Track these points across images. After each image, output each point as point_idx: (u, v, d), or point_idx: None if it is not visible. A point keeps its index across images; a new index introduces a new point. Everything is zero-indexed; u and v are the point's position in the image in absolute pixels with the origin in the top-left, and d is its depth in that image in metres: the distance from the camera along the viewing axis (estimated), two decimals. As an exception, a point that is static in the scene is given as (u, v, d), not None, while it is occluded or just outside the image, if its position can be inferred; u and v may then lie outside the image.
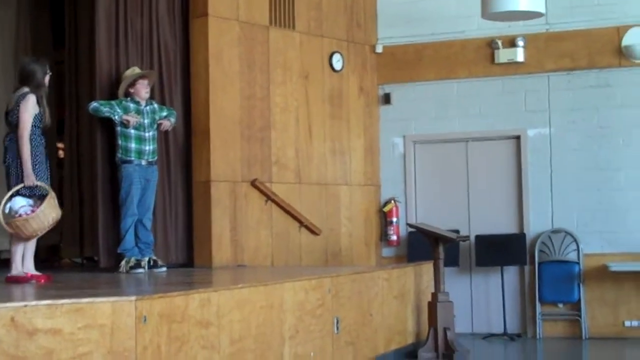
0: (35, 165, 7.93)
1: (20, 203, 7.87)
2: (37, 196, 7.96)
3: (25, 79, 8.09)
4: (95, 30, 9.92)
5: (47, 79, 8.20)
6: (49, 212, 7.93)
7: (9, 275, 7.99)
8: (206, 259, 10.19)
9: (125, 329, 5.81)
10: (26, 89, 8.03)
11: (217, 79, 10.41)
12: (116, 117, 9.48)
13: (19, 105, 7.94)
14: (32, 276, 7.95)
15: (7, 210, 7.85)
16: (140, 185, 9.54)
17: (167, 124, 9.86)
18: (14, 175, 7.93)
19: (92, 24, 10.24)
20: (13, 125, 7.98)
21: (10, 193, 7.84)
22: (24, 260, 8.05)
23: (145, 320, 5.89)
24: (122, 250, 9.50)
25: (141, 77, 9.67)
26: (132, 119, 9.46)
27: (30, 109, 7.92)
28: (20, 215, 7.81)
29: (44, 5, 12.49)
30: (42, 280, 7.92)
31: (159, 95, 10.15)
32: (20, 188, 7.87)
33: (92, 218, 10.25)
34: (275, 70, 11.10)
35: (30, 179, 7.87)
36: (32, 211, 7.85)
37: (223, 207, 10.33)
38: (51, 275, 8.23)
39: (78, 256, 11.61)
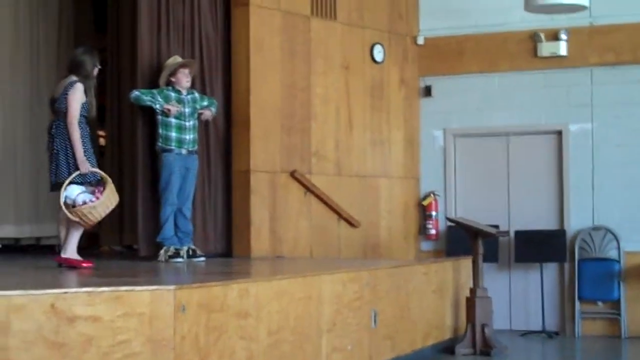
0: (85, 152, 7.97)
1: (77, 190, 7.89)
2: (89, 182, 8.00)
3: (75, 68, 8.15)
4: (138, 18, 9.93)
5: (95, 71, 8.24)
6: (113, 197, 8.01)
7: (65, 257, 8.01)
8: (245, 249, 10.19)
9: (164, 317, 5.80)
10: (74, 78, 8.06)
11: (257, 69, 10.39)
12: (157, 106, 9.48)
13: (66, 93, 7.97)
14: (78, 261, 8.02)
15: (63, 199, 7.86)
16: (180, 174, 9.54)
17: (207, 114, 9.85)
18: (63, 162, 7.95)
19: (134, 12, 10.27)
20: (61, 113, 8.01)
21: (68, 181, 7.84)
22: (68, 245, 8.06)
23: (184, 309, 5.88)
24: (161, 239, 9.50)
25: (182, 65, 9.66)
26: (173, 107, 9.45)
27: (79, 96, 7.98)
28: (85, 203, 7.82)
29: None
30: (85, 265, 7.99)
31: (199, 84, 10.14)
32: (77, 175, 7.89)
33: (132, 206, 10.28)
34: (316, 61, 11.07)
35: (86, 165, 7.91)
36: (97, 198, 7.87)
37: (262, 197, 10.32)
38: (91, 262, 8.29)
39: (117, 244, 11.67)
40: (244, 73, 10.38)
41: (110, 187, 8.01)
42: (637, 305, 11.41)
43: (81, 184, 7.96)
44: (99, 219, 8.01)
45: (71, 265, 7.94)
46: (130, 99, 9.61)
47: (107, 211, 8.01)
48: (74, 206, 7.83)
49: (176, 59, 9.75)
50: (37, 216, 11.30)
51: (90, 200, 7.85)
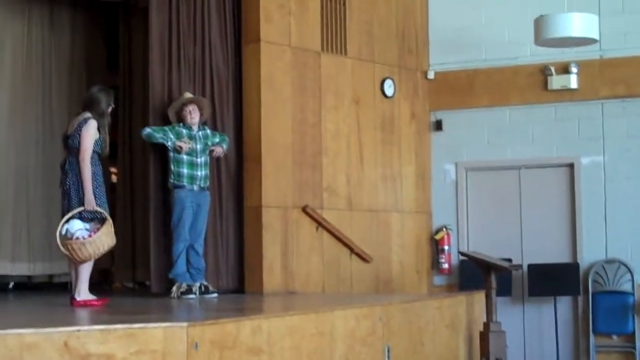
0: (95, 189, 8.01)
1: (78, 226, 7.92)
2: (96, 220, 8.03)
3: (89, 105, 8.20)
4: (149, 55, 9.99)
5: (110, 109, 8.28)
6: (105, 239, 7.99)
7: (81, 300, 8.01)
8: (257, 285, 10.17)
9: (176, 355, 5.79)
10: (88, 114, 8.10)
11: (268, 105, 10.42)
12: (169, 143, 9.51)
13: (80, 130, 8.02)
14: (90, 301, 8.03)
15: (64, 232, 7.90)
16: (192, 210, 9.55)
17: (219, 151, 9.87)
18: (74, 198, 7.98)
19: (145, 49, 10.34)
20: (74, 149, 8.05)
21: (69, 215, 7.89)
22: (81, 286, 8.06)
23: (197, 346, 5.87)
24: (173, 275, 9.50)
25: (185, 103, 9.67)
26: (185, 145, 9.48)
27: (92, 133, 8.02)
28: (77, 238, 7.85)
29: (98, 29, 12.63)
30: (100, 304, 8.00)
31: (211, 120, 10.17)
32: (81, 211, 7.91)
33: (144, 243, 10.29)
34: (326, 96, 11.09)
35: (92, 203, 7.94)
36: (89, 235, 7.89)
37: (274, 233, 10.32)
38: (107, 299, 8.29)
39: (130, 281, 11.67)
40: (255, 109, 10.41)
41: (107, 229, 8.00)
42: (652, 339, 11.35)
43: (90, 220, 7.98)
44: (89, 258, 7.98)
45: (88, 306, 7.92)
46: (142, 135, 9.65)
47: (98, 252, 7.99)
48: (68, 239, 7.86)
49: (185, 95, 9.79)
50: (50, 254, 11.31)
51: (83, 237, 7.87)
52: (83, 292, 8.04)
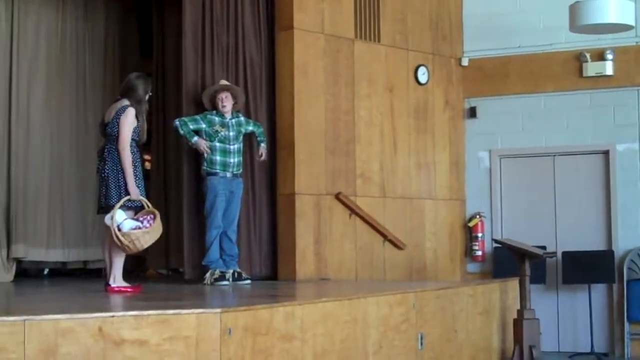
0: (135, 177, 8.03)
1: (123, 216, 7.90)
2: (134, 209, 8.05)
3: (127, 92, 8.21)
4: (182, 43, 10.02)
5: (147, 96, 8.28)
6: (159, 229, 8.05)
7: (115, 287, 8.06)
8: (290, 272, 10.19)
9: (210, 341, 5.81)
10: (126, 102, 8.12)
11: (302, 92, 10.43)
12: (192, 141, 9.52)
13: (119, 117, 8.03)
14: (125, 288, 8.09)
15: (108, 221, 7.90)
16: (225, 197, 9.58)
17: (264, 153, 9.90)
18: (113, 186, 7.99)
19: (179, 36, 10.37)
20: (112, 137, 8.06)
21: (119, 205, 7.86)
22: (115, 273, 8.12)
23: (230, 332, 5.89)
24: (206, 262, 9.54)
25: (218, 90, 9.69)
26: (202, 146, 9.48)
27: (130, 121, 8.03)
28: (138, 227, 7.86)
29: (132, 16, 12.69)
30: (134, 291, 8.05)
31: (244, 108, 10.19)
32: (126, 201, 7.93)
33: (178, 230, 10.34)
34: (360, 83, 11.08)
35: (136, 192, 7.97)
36: (149, 225, 7.91)
37: (307, 220, 10.33)
38: (141, 285, 8.35)
39: (163, 267, 11.74)
40: (288, 96, 10.42)
41: (159, 219, 8.05)
42: (687, 327, 11.28)
43: (128, 209, 8.00)
44: (145, 246, 8.02)
45: (122, 293, 7.97)
46: (172, 126, 9.69)
47: (152, 241, 8.05)
48: (119, 230, 7.87)
49: (219, 82, 9.79)
50: (85, 240, 11.42)
51: (144, 226, 7.89)
52: (117, 279, 8.08)
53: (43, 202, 11.31)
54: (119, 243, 7.86)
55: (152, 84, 11.39)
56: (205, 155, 9.54)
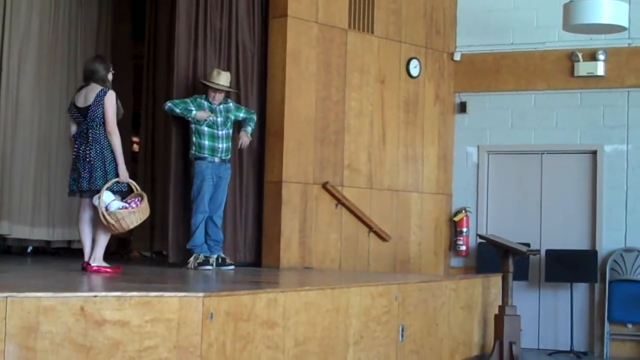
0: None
1: (110, 197, 7.95)
2: (120, 192, 8.10)
3: (90, 76, 8.23)
4: (175, 27, 10.01)
5: (110, 76, 8.30)
6: (146, 210, 8.12)
7: (95, 266, 8.10)
8: (274, 260, 10.20)
9: (191, 324, 5.82)
10: (97, 86, 8.13)
11: (293, 80, 10.42)
12: (191, 114, 9.50)
13: (101, 101, 8.04)
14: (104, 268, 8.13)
15: (95, 202, 7.94)
16: (212, 182, 9.57)
17: (245, 140, 9.87)
18: (100, 169, 8.01)
19: (172, 20, 10.36)
20: (96, 121, 8.06)
21: (106, 187, 7.90)
22: (97, 252, 8.17)
23: (211, 317, 5.90)
24: (191, 246, 9.54)
25: (212, 89, 9.65)
26: (205, 114, 9.47)
27: (114, 103, 8.08)
28: (125, 207, 7.92)
29: (125, 0, 12.65)
30: (114, 272, 8.07)
31: (234, 94, 10.17)
32: (115, 182, 7.99)
33: (164, 213, 10.34)
34: (351, 74, 11.08)
35: (126, 174, 8.06)
36: (136, 205, 7.97)
37: (293, 208, 10.34)
38: (120, 267, 8.35)
39: (148, 250, 11.74)
40: (279, 84, 10.41)
41: (146, 201, 8.11)
42: (668, 329, 11.33)
43: (115, 192, 8.02)
44: (130, 227, 8.08)
45: (101, 273, 8.00)
46: (164, 109, 9.68)
47: (138, 223, 8.10)
48: (106, 210, 7.89)
49: (219, 73, 9.66)
50: (70, 219, 11.39)
51: (130, 206, 7.93)
52: (98, 259, 8.13)
53: (29, 180, 11.29)
54: (105, 222, 7.90)
55: (142, 66, 11.50)
56: (194, 139, 9.53)
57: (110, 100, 8.06)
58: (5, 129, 11.04)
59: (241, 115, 9.91)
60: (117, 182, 8.01)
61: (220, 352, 5.97)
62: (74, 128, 8.26)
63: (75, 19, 11.95)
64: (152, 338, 5.70)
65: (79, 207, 8.33)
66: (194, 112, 9.51)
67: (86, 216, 8.19)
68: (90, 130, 8.07)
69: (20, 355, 5.39)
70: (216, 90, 9.62)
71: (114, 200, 7.95)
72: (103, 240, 8.14)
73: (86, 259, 8.15)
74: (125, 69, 12.15)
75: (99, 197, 7.86)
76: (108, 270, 8.05)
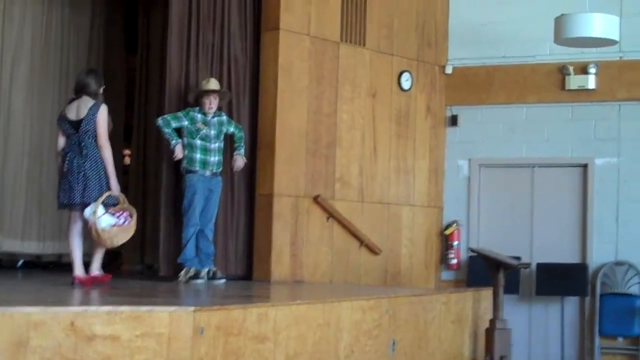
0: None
1: (102, 211, 8.03)
2: (109, 205, 8.17)
3: (82, 89, 8.32)
4: (167, 40, 10.03)
5: (101, 90, 8.37)
6: (134, 227, 8.27)
7: (76, 276, 8.17)
8: (265, 273, 10.19)
9: (182, 339, 5.81)
10: (89, 99, 8.22)
11: (285, 93, 10.43)
12: (172, 142, 9.49)
13: (94, 115, 8.13)
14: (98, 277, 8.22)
15: (89, 217, 8.01)
16: (204, 195, 9.57)
17: (240, 164, 9.88)
18: (94, 182, 8.09)
19: (164, 34, 10.37)
20: (89, 134, 8.13)
21: (100, 201, 8.00)
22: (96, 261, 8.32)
23: (202, 331, 5.89)
24: (182, 260, 9.53)
25: (206, 92, 9.67)
26: (177, 154, 9.47)
27: (106, 118, 8.20)
28: (117, 225, 8.05)
29: (118, 12, 12.66)
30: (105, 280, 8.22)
31: (227, 107, 10.18)
32: (107, 196, 8.10)
33: (154, 226, 10.32)
34: (343, 87, 11.09)
35: (118, 188, 8.20)
36: (127, 221, 8.12)
37: (284, 221, 10.33)
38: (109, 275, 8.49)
39: (138, 263, 11.70)
40: (271, 97, 10.42)
41: (135, 218, 8.25)
42: (658, 343, 11.33)
43: (106, 205, 8.07)
44: (120, 244, 8.27)
45: (98, 282, 8.12)
46: (155, 125, 9.67)
47: (125, 240, 8.29)
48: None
49: (209, 82, 9.74)
50: (60, 233, 11.36)
51: (118, 224, 7.99)
52: (97, 269, 8.30)
53: (20, 192, 11.27)
54: (96, 238, 7.99)
55: (135, 79, 11.51)
56: (185, 152, 9.53)
57: (103, 115, 8.16)
58: (-4, 141, 11.04)
59: (231, 129, 9.92)
60: (110, 195, 8.08)
61: (210, 366, 5.97)
62: (62, 140, 8.32)
63: (67, 31, 11.95)
64: (142, 353, 5.69)
65: (69, 220, 8.35)
66: (175, 142, 9.47)
67: (77, 229, 8.26)
68: (84, 143, 8.12)
69: (10, 370, 5.38)
70: (210, 95, 9.61)
71: (104, 214, 7.97)
72: (101, 252, 8.30)
73: (76, 272, 8.17)
74: (117, 82, 12.15)
75: (94, 212, 7.92)
76: (100, 278, 8.18)
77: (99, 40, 12.34)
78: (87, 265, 8.38)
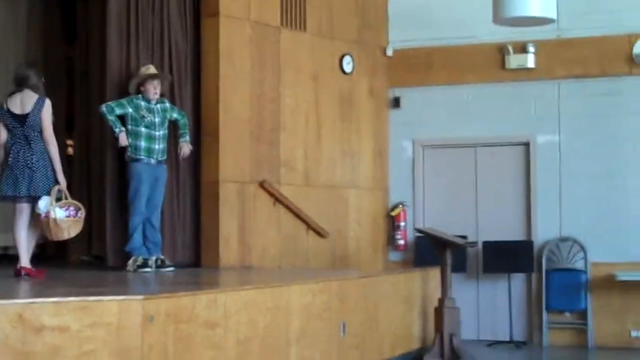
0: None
1: (46, 204, 8.08)
2: (57, 199, 8.19)
3: (22, 82, 8.30)
4: (107, 27, 9.93)
5: (41, 83, 8.38)
6: (82, 220, 8.34)
7: (24, 267, 8.14)
8: (213, 260, 10.17)
9: (131, 327, 5.80)
10: (31, 93, 8.21)
11: (227, 79, 10.39)
12: (116, 129, 9.43)
13: (40, 109, 8.14)
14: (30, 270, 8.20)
15: (42, 210, 8.07)
16: (149, 184, 9.51)
17: (186, 151, 9.85)
18: (42, 175, 8.10)
19: (103, 21, 10.25)
20: (34, 128, 8.13)
21: (54, 195, 8.05)
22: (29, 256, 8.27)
23: (152, 319, 5.88)
24: (129, 249, 9.48)
25: (151, 77, 9.64)
26: (122, 142, 9.43)
27: (50, 112, 8.20)
28: (70, 217, 8.12)
29: (56, 2, 12.50)
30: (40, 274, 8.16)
31: (169, 94, 10.12)
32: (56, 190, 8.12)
33: (100, 216, 10.24)
34: (285, 71, 11.08)
35: (64, 182, 8.21)
36: (77, 214, 8.18)
37: (231, 207, 10.31)
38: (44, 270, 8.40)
39: (86, 254, 11.59)
40: (213, 83, 10.37)
41: (84, 211, 8.30)
42: (603, 316, 11.49)
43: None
44: (71, 236, 8.31)
45: (31, 275, 8.09)
46: (99, 113, 9.60)
47: (76, 233, 8.35)
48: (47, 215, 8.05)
49: (149, 68, 9.73)
50: (5, 226, 11.21)
51: (70, 216, 8.08)
52: (26, 261, 8.19)
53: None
54: (52, 230, 8.09)
55: (75, 68, 11.38)
56: (129, 141, 9.47)
57: (47, 109, 8.19)
58: None
59: (175, 115, 9.86)
60: (58, 189, 8.13)
61: (161, 354, 5.96)
62: (4, 134, 8.25)
63: (5, 22, 11.78)
64: (92, 342, 5.67)
65: (14, 213, 8.29)
66: (118, 130, 9.41)
67: (23, 221, 8.23)
68: (30, 137, 8.11)
69: (-43, 364, 5.33)
70: (153, 80, 9.56)
71: (56, 207, 8.04)
72: (32, 246, 8.30)
73: (22, 263, 8.12)
74: (57, 71, 12.00)
75: (51, 205, 8.00)
76: (33, 273, 8.13)
77: (37, 31, 12.18)
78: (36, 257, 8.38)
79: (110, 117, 9.44)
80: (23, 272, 8.05)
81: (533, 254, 11.73)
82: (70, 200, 8.23)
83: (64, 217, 8.08)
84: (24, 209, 8.20)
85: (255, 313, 7.00)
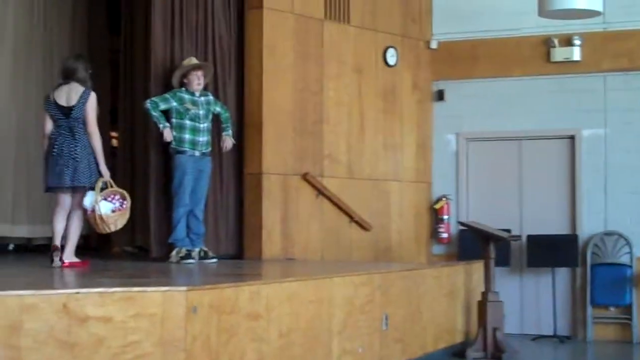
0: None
1: (92, 198, 8.21)
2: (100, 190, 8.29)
3: (69, 75, 8.40)
4: (151, 20, 9.97)
5: (88, 75, 8.48)
6: (128, 211, 8.47)
7: (70, 261, 8.26)
8: (256, 251, 10.20)
9: (175, 318, 5.82)
10: (79, 86, 8.32)
11: (270, 72, 10.41)
12: (161, 126, 9.47)
13: (85, 102, 8.25)
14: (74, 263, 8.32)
15: (88, 204, 8.21)
16: (193, 176, 9.55)
17: (229, 143, 9.87)
18: (85, 167, 8.20)
19: (147, 14, 10.30)
20: (79, 120, 8.23)
21: (98, 189, 8.19)
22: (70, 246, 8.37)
23: (195, 310, 5.89)
24: (173, 240, 9.52)
25: (195, 68, 9.67)
26: (167, 137, 9.46)
27: (95, 105, 8.32)
28: (117, 210, 8.26)
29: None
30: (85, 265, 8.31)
31: (212, 87, 10.16)
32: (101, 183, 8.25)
33: (144, 208, 10.29)
34: (329, 64, 11.07)
35: (108, 173, 8.35)
36: (122, 205, 8.32)
37: (274, 199, 10.33)
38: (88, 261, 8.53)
39: (129, 245, 11.67)
40: (256, 76, 10.39)
41: (129, 201, 8.41)
42: (649, 311, 11.39)
43: (92, 189, 8.23)
44: (118, 228, 8.44)
45: (75, 267, 8.20)
46: (143, 108, 9.64)
47: (122, 225, 8.50)
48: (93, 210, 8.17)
49: (191, 60, 9.77)
50: (50, 216, 11.33)
51: (118, 209, 8.20)
52: (70, 255, 8.30)
53: (8, 176, 11.23)
54: (99, 225, 8.24)
55: (119, 61, 11.46)
56: (174, 133, 9.51)
57: (92, 102, 8.30)
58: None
59: (218, 109, 9.89)
60: (102, 181, 8.24)
61: (204, 345, 5.97)
62: (49, 125, 8.34)
63: (50, 14, 11.88)
64: (136, 333, 5.69)
65: (56, 203, 8.38)
66: (163, 125, 9.45)
67: (62, 214, 8.36)
68: (74, 129, 8.20)
69: (3, 353, 5.36)
70: (197, 71, 9.58)
71: (101, 200, 8.16)
72: (76, 237, 8.36)
73: (64, 257, 8.20)
74: (101, 63, 12.09)
75: (96, 201, 8.13)
76: (78, 264, 8.25)
77: (82, 23, 12.27)
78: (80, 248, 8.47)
79: (155, 113, 9.48)
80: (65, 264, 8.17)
81: (578, 248, 11.63)
82: (115, 188, 8.30)
83: (110, 211, 8.18)
84: (66, 200, 8.31)
85: (298, 305, 7.00)
